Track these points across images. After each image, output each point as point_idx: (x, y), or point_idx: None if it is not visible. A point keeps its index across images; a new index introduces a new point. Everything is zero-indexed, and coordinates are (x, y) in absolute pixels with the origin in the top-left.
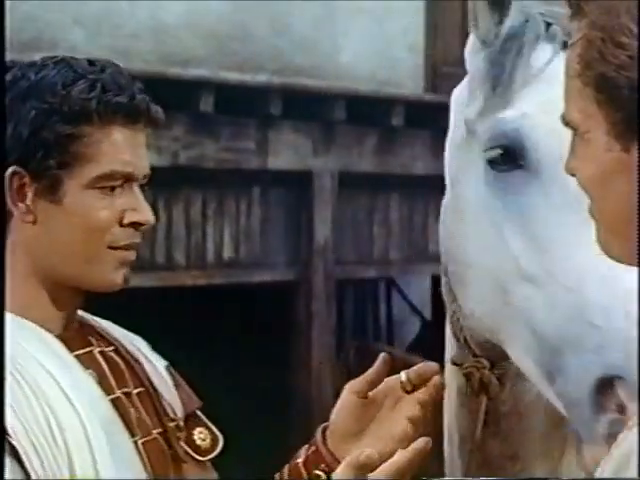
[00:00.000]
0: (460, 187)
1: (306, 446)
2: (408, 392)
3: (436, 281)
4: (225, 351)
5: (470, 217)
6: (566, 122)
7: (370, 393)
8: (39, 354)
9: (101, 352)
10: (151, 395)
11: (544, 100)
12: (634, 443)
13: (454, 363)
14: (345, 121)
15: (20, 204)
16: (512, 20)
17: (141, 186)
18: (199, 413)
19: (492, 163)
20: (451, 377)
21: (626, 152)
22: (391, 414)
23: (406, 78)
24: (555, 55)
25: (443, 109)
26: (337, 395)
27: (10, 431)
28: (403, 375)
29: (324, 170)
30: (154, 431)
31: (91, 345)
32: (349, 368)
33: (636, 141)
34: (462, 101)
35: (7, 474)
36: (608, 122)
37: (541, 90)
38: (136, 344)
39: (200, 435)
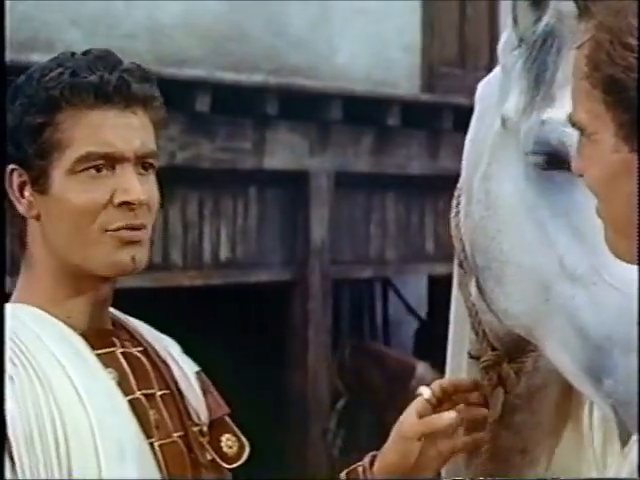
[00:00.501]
0: (495, 183)
1: (345, 471)
2: (434, 407)
3: (432, 281)
4: (222, 351)
5: (507, 214)
6: (573, 123)
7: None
8: (57, 350)
9: (124, 353)
10: (176, 398)
11: None
12: None
13: (471, 356)
14: (341, 121)
15: (23, 200)
16: (548, 18)
17: (148, 165)
18: (228, 420)
19: (536, 164)
20: (468, 370)
21: (633, 153)
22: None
23: (402, 78)
24: None
25: (439, 109)
26: (332, 394)
27: (9, 426)
28: (426, 392)
29: (320, 170)
30: (175, 434)
31: (114, 345)
32: (344, 366)
33: None
34: (491, 96)
35: (7, 474)
36: (616, 124)
37: None
38: (167, 347)
39: (227, 442)
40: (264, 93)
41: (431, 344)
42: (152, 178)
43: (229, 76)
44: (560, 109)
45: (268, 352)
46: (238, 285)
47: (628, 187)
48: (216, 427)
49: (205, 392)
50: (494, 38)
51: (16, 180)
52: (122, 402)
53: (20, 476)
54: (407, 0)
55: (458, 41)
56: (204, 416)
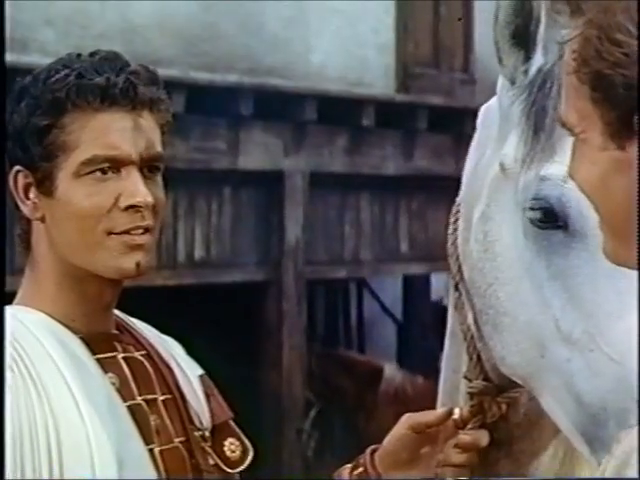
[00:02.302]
0: (493, 226)
1: (348, 465)
2: (460, 428)
3: (407, 281)
4: (195, 351)
5: (505, 264)
6: (562, 123)
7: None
8: (56, 356)
9: (126, 357)
10: (178, 403)
11: None
12: (635, 440)
13: (465, 377)
14: (316, 121)
15: (28, 202)
16: (547, 57)
17: (154, 168)
18: (232, 424)
19: (533, 221)
20: (464, 391)
21: (621, 150)
22: (443, 447)
23: (377, 78)
24: None
25: (414, 109)
26: (305, 403)
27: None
28: (457, 412)
29: (295, 170)
30: (176, 439)
31: (116, 350)
32: (312, 375)
33: (632, 139)
34: (490, 127)
35: (7, 474)
36: (603, 121)
37: None
38: (171, 350)
39: (231, 446)
40: (238, 93)
41: (407, 344)
42: (158, 180)
43: (203, 76)
44: (560, 165)
45: (242, 352)
46: (212, 285)
47: (618, 185)
48: (219, 431)
49: (208, 396)
50: (468, 38)
51: (21, 182)
52: (121, 408)
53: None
54: (381, 0)
55: (432, 41)
56: (206, 420)
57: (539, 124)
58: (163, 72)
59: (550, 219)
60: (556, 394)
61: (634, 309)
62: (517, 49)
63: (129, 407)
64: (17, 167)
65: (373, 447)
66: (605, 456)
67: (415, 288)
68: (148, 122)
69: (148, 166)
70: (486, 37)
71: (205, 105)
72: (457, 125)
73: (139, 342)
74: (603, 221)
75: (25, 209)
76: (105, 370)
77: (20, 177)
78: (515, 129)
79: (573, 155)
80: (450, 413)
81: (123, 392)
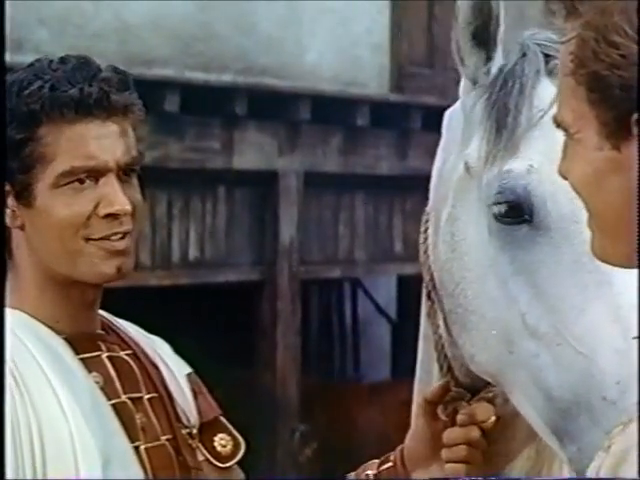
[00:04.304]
0: (460, 225)
1: (375, 461)
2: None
3: (402, 281)
4: (190, 351)
5: (471, 262)
6: (557, 123)
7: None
8: (39, 355)
9: (110, 356)
10: (165, 401)
11: (551, 145)
12: (633, 438)
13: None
14: (310, 121)
15: (7, 210)
16: (508, 56)
17: (130, 171)
18: (223, 420)
19: (497, 216)
20: None
21: (616, 150)
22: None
23: (371, 78)
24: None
25: (408, 109)
26: (302, 395)
27: None
28: (459, 416)
29: (289, 170)
30: (163, 437)
31: (100, 349)
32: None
33: (627, 139)
34: (455, 130)
35: (8, 474)
36: (599, 122)
37: (547, 133)
38: (158, 350)
39: (221, 442)
40: (233, 93)
41: (401, 344)
42: (135, 183)
43: (198, 76)
44: (523, 160)
45: (236, 352)
46: (206, 285)
47: (612, 185)
48: (209, 428)
49: (196, 394)
50: None
51: None
52: (105, 407)
53: None
54: (376, 0)
55: (426, 41)
56: (194, 418)
57: (501, 122)
58: (157, 72)
59: (514, 212)
60: (525, 389)
61: (598, 302)
62: (478, 49)
63: (114, 405)
64: None
65: (402, 446)
66: (575, 449)
67: (409, 288)
68: (123, 127)
69: (125, 171)
70: None
71: (199, 105)
72: None
73: (124, 342)
74: (593, 219)
75: (6, 217)
76: (89, 369)
77: None
78: (477, 129)
79: (566, 154)
80: (446, 387)
81: (107, 391)
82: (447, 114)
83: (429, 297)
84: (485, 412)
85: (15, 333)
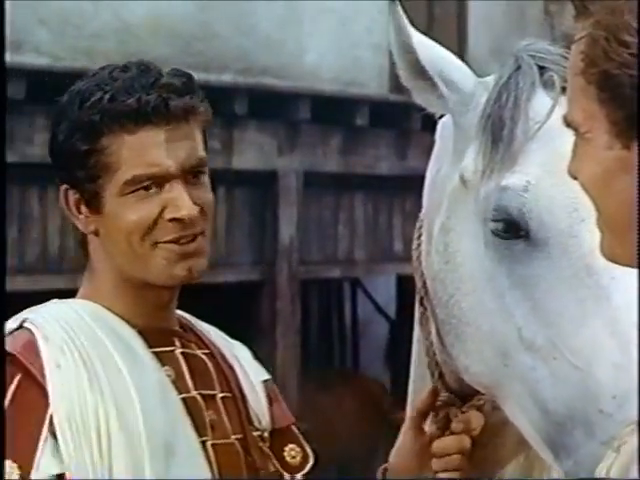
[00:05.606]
0: (454, 237)
1: None
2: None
3: (401, 281)
4: None
5: (466, 275)
6: (567, 123)
7: (426, 430)
8: (110, 344)
9: (184, 353)
10: (237, 402)
11: (548, 158)
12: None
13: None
14: (310, 121)
15: (80, 216)
16: (503, 70)
17: (198, 173)
18: (294, 430)
19: (493, 231)
20: None
21: (627, 149)
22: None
23: (371, 78)
24: (554, 103)
25: (408, 109)
26: (302, 396)
27: (55, 412)
28: (454, 424)
29: (289, 170)
30: (233, 436)
31: (174, 345)
32: None
33: (636, 139)
34: (448, 139)
35: (46, 455)
36: (609, 121)
37: (544, 145)
38: (236, 353)
39: (291, 452)
40: (233, 93)
41: (400, 343)
42: (204, 182)
43: (197, 76)
44: (520, 175)
45: None
46: (206, 285)
47: (622, 184)
48: (280, 436)
49: (271, 400)
50: (462, 39)
51: (72, 198)
52: (174, 399)
53: (66, 459)
54: (375, 0)
55: None
56: (266, 422)
57: (497, 135)
58: None
59: (512, 229)
60: (520, 402)
61: (596, 317)
62: (419, 83)
63: (183, 400)
64: (65, 186)
65: (384, 466)
66: (571, 463)
67: (409, 288)
68: (185, 131)
69: (192, 173)
70: (480, 38)
71: None
72: None
73: (202, 341)
74: (601, 219)
75: (78, 224)
76: (162, 363)
77: (70, 194)
78: (472, 141)
79: (576, 154)
80: (435, 391)
81: (178, 385)
82: (441, 123)
83: (421, 303)
84: (478, 420)
85: (86, 321)
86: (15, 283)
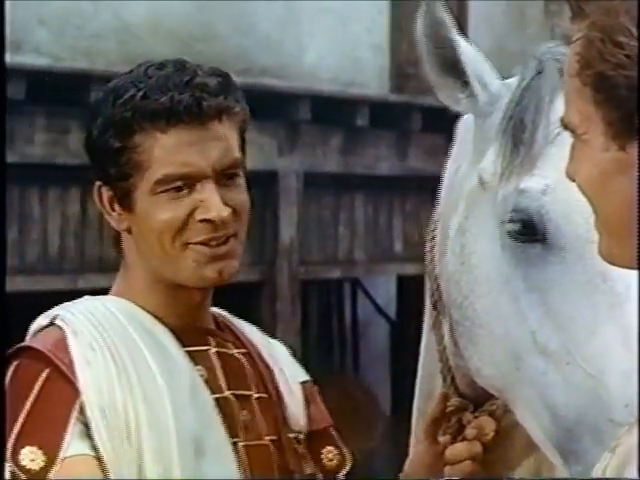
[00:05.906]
0: (470, 239)
1: None
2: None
3: (401, 281)
4: None
5: (482, 277)
6: (565, 125)
7: (440, 440)
8: (141, 341)
9: (219, 352)
10: (273, 403)
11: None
12: (635, 438)
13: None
14: (310, 121)
15: (113, 214)
16: (525, 72)
17: (232, 174)
18: (332, 432)
19: (511, 233)
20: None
21: (623, 151)
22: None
23: (371, 78)
24: None
25: (408, 110)
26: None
27: (87, 406)
28: (468, 430)
29: (289, 170)
30: (266, 437)
31: (208, 344)
32: None
33: (633, 140)
34: (467, 141)
35: (76, 438)
36: (605, 122)
37: (564, 150)
38: (274, 353)
39: (328, 455)
40: None
41: (400, 344)
42: (239, 184)
43: None
44: (539, 178)
45: None
46: None
47: (618, 186)
48: (318, 438)
49: (309, 402)
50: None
51: (105, 195)
52: (205, 399)
53: (101, 449)
54: (375, 0)
55: None
56: (303, 424)
57: (518, 138)
58: None
59: (529, 231)
60: (531, 406)
61: (609, 324)
62: (448, 79)
63: (216, 400)
64: (99, 182)
65: (399, 476)
66: (580, 469)
67: (409, 288)
68: (218, 131)
69: (225, 174)
70: (480, 37)
71: None
72: (451, 126)
73: (240, 341)
74: (599, 220)
75: (112, 221)
76: (195, 362)
77: (104, 191)
78: (492, 143)
79: (573, 156)
80: (446, 396)
81: (211, 385)
82: (460, 123)
83: (435, 307)
84: (491, 425)
85: (117, 317)
86: (15, 283)
